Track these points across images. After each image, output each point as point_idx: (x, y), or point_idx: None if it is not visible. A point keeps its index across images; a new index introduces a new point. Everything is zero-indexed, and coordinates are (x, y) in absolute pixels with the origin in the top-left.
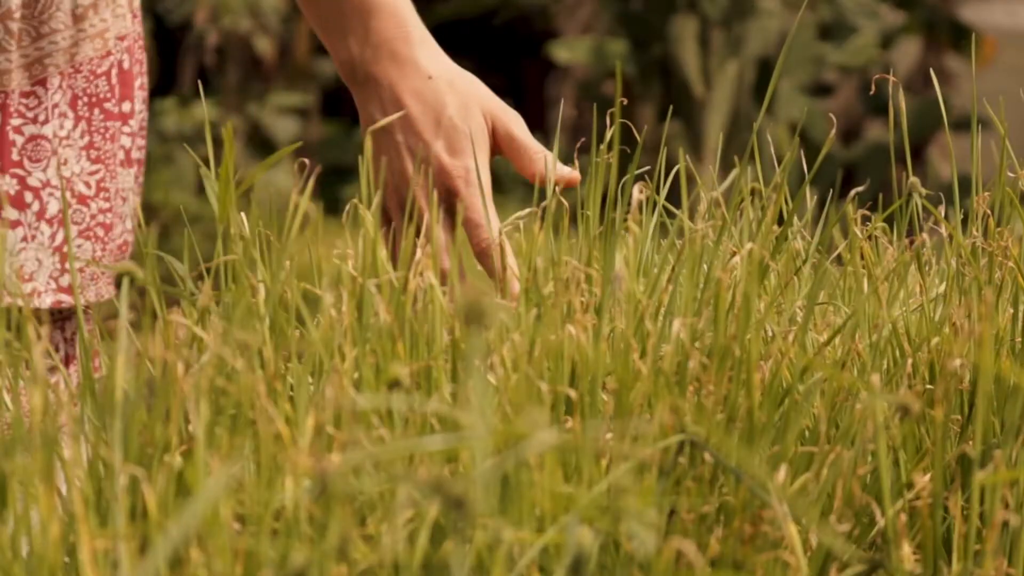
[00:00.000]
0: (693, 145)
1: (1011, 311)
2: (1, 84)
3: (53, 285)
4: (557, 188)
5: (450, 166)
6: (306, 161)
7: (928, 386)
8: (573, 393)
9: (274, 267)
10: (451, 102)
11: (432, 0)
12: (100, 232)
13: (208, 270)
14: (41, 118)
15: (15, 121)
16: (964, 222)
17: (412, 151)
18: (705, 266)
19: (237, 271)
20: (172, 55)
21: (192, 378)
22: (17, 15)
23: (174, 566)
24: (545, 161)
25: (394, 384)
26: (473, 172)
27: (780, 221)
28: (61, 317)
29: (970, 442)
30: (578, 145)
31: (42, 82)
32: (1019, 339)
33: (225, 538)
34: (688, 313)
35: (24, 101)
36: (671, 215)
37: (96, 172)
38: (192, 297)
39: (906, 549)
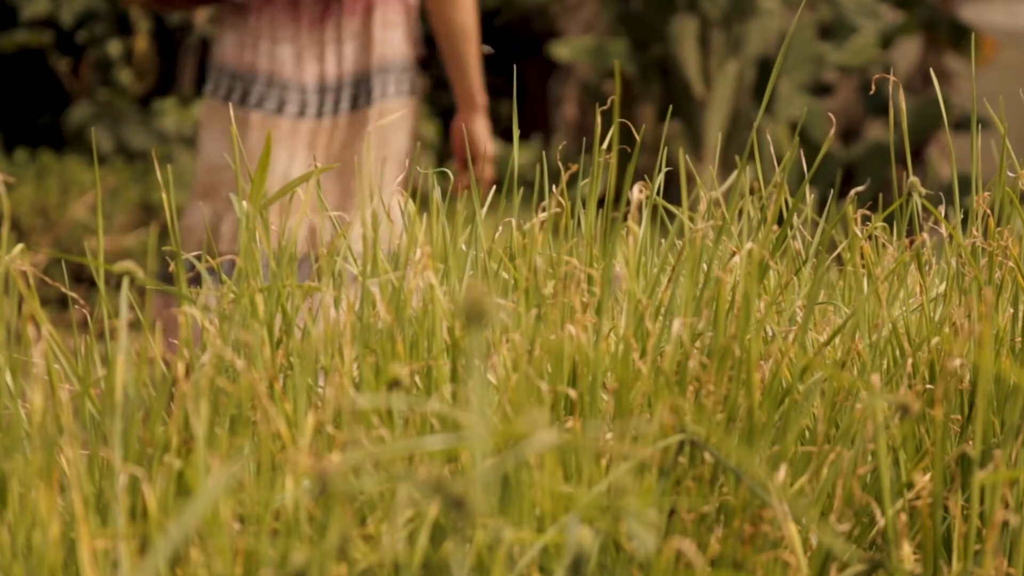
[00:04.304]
0: (693, 145)
1: (1011, 311)
2: None
3: None
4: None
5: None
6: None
7: (928, 386)
8: (573, 393)
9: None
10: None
11: None
12: None
13: (211, 269)
14: None
15: None
16: (964, 222)
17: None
18: (705, 266)
19: (242, 271)
20: (172, 55)
21: (192, 378)
22: None
23: (174, 566)
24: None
25: (394, 384)
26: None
27: (780, 221)
28: None
29: (970, 442)
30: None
31: None
32: (1019, 339)
33: (225, 538)
34: (688, 313)
35: None
36: (671, 215)
37: None
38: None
39: (906, 549)
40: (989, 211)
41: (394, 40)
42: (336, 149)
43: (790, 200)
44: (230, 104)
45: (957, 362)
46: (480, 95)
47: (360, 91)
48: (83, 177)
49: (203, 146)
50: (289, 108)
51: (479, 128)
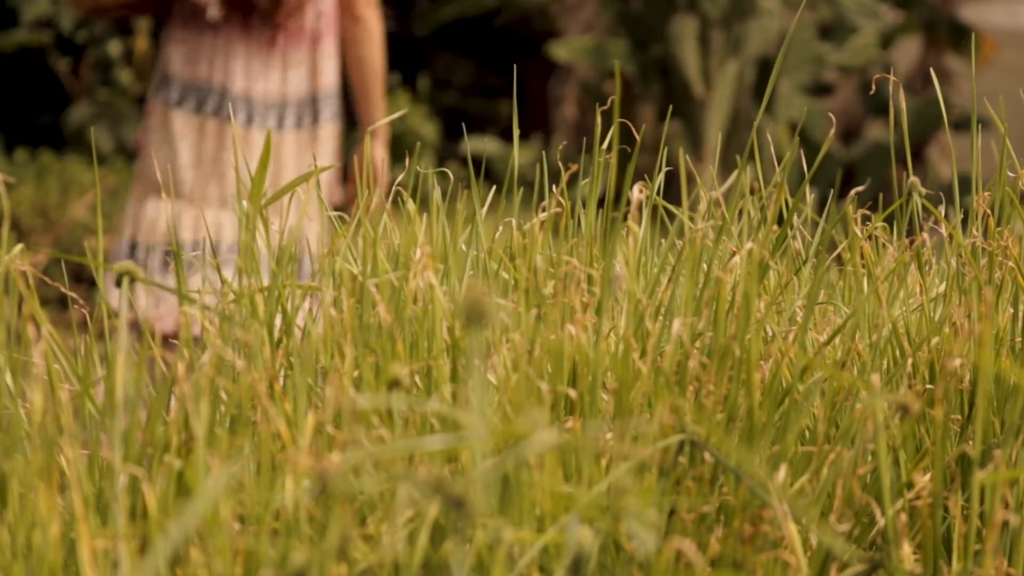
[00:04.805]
0: (693, 145)
1: (1011, 311)
2: None
3: None
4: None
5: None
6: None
7: (928, 386)
8: (573, 393)
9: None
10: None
11: (434, 1)
12: None
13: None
14: None
15: None
16: (964, 222)
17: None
18: (705, 266)
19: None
20: None
21: (192, 377)
22: None
23: (174, 566)
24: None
25: (394, 384)
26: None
27: (780, 221)
28: None
29: (970, 442)
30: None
31: None
32: (1019, 339)
33: (225, 538)
34: (688, 313)
35: None
36: (671, 215)
37: None
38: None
39: (906, 549)
40: (989, 211)
41: (330, 69)
42: (282, 164)
43: (790, 200)
44: (183, 111)
45: (957, 362)
46: (383, 126)
47: (304, 113)
48: (83, 177)
49: (156, 149)
50: (239, 117)
51: (379, 156)
